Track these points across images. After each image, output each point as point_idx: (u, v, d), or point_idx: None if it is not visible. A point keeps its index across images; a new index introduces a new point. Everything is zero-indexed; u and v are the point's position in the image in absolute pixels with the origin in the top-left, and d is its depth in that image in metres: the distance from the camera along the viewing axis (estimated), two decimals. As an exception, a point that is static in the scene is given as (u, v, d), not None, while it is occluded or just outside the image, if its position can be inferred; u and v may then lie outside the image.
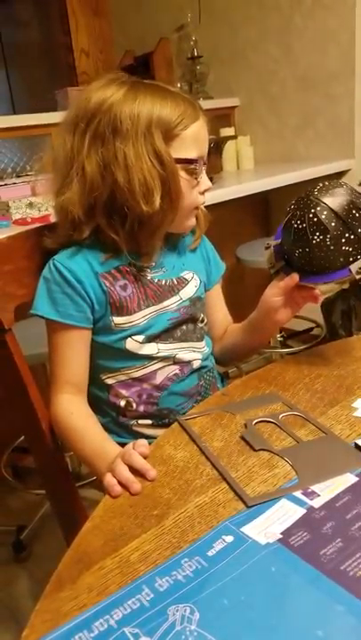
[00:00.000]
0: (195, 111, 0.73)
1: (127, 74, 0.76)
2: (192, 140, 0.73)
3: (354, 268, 0.73)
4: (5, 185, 1.65)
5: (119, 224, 0.73)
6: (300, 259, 0.73)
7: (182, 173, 0.73)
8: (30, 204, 1.56)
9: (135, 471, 0.58)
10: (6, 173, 1.86)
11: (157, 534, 0.49)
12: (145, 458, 0.60)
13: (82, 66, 2.82)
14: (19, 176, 1.78)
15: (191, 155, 0.73)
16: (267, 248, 0.80)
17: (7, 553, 1.46)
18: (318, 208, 0.70)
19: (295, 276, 0.75)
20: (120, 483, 0.57)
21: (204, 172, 0.76)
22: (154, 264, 0.80)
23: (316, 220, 0.70)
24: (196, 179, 0.75)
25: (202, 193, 0.77)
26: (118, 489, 0.56)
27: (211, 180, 0.81)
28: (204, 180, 0.77)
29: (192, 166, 0.73)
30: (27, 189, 1.68)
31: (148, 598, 0.43)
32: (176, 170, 0.71)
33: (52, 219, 0.80)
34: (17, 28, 3.51)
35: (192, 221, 0.80)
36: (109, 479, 0.57)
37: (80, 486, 1.38)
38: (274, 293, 0.77)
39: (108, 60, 2.85)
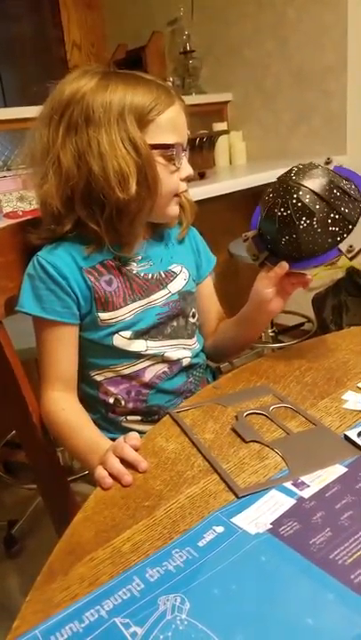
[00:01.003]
0: (169, 97, 0.72)
1: (120, 68, 0.75)
2: (168, 126, 0.72)
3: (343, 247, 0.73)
4: (-4, 178, 1.64)
5: (98, 214, 0.71)
6: (287, 246, 0.73)
7: (159, 159, 0.72)
8: (21, 198, 1.55)
9: (127, 463, 0.58)
10: (-3, 167, 1.84)
11: (149, 525, 0.50)
12: (136, 450, 0.60)
13: (74, 59, 2.80)
14: (9, 169, 1.76)
15: (168, 140, 0.72)
16: (245, 241, 0.80)
17: (-1, 548, 1.46)
18: (300, 192, 0.70)
19: (285, 265, 0.74)
20: (111, 475, 0.57)
21: (184, 158, 0.76)
22: (140, 257, 0.79)
23: (300, 204, 0.70)
24: (174, 164, 0.74)
25: (183, 179, 0.77)
26: (110, 481, 0.56)
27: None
28: (185, 167, 0.76)
29: (169, 152, 0.73)
30: (17, 183, 1.67)
31: (138, 589, 0.43)
32: (151, 155, 0.71)
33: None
34: (8, 22, 3.47)
35: (174, 209, 0.79)
36: (100, 471, 0.57)
37: (72, 480, 1.38)
38: (264, 285, 0.77)
39: (101, 54, 2.83)
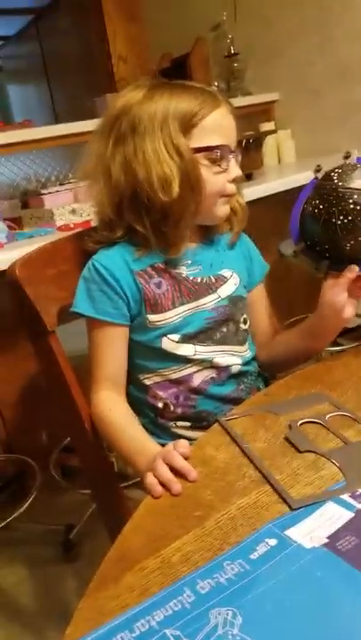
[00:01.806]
0: (214, 100, 0.73)
1: (164, 78, 0.78)
2: (213, 128, 0.73)
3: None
4: (49, 193, 1.69)
5: (145, 218, 0.74)
6: (352, 250, 0.73)
7: (204, 161, 0.74)
8: (73, 211, 1.59)
9: (176, 472, 0.58)
10: (50, 182, 1.91)
11: (199, 535, 0.49)
12: (186, 459, 0.59)
13: (120, 72, 2.85)
14: (62, 184, 1.82)
15: (212, 142, 0.73)
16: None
17: (56, 552, 1.49)
18: (355, 196, 0.70)
19: (355, 268, 0.73)
20: (161, 483, 0.56)
21: (232, 160, 0.76)
22: (190, 262, 0.80)
23: (359, 207, 0.70)
24: (219, 166, 0.75)
25: (230, 181, 0.77)
26: (160, 489, 0.56)
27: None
28: (232, 168, 0.76)
29: (213, 153, 0.74)
30: (70, 196, 1.71)
31: (189, 600, 0.42)
32: (194, 158, 0.72)
33: (93, 223, 0.82)
34: (57, 39, 3.61)
35: (222, 210, 0.79)
36: (151, 479, 0.57)
37: (126, 487, 1.39)
38: (336, 293, 0.74)
39: (146, 65, 2.87)
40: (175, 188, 0.71)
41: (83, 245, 0.80)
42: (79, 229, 0.87)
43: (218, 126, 0.74)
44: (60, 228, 1.55)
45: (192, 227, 0.79)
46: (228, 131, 0.75)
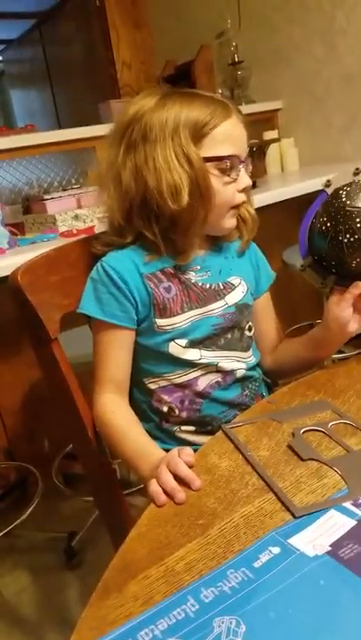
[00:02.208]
0: (225, 110, 0.74)
1: (168, 84, 0.78)
2: (224, 138, 0.74)
3: None
4: (52, 198, 1.70)
5: (155, 225, 0.75)
6: (358, 267, 0.74)
7: (214, 171, 0.74)
8: (76, 217, 1.60)
9: (180, 480, 0.58)
10: (53, 187, 1.92)
11: (203, 544, 0.49)
12: (190, 467, 0.59)
13: (124, 78, 2.87)
14: (65, 189, 1.83)
15: (222, 152, 0.74)
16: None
17: (59, 559, 1.49)
18: None
19: (360, 284, 0.74)
20: (165, 491, 0.56)
21: (243, 170, 0.76)
22: (199, 267, 0.80)
23: None
24: (229, 176, 0.75)
25: (240, 191, 0.77)
26: (164, 498, 0.56)
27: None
28: (242, 178, 0.76)
29: (223, 163, 0.74)
30: (72, 202, 1.72)
31: (193, 609, 0.42)
32: (204, 168, 0.73)
33: (97, 230, 0.83)
34: (61, 46, 3.63)
35: (230, 222, 0.80)
36: (155, 487, 0.57)
37: (129, 494, 1.39)
38: (342, 308, 0.76)
39: (150, 71, 2.89)
40: (185, 197, 0.71)
41: (87, 251, 0.81)
42: (82, 235, 0.88)
43: (228, 136, 0.74)
44: (62, 234, 1.55)
45: (201, 235, 0.79)
46: (238, 141, 0.76)
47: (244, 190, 0.78)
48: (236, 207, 0.79)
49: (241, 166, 0.76)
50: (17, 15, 3.73)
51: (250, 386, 0.84)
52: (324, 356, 0.85)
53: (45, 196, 1.70)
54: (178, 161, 0.71)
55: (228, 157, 0.74)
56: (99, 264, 0.78)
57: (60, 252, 0.83)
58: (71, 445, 1.72)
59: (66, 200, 1.71)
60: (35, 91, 4.19)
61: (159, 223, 0.75)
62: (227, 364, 0.80)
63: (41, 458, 1.78)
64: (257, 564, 0.45)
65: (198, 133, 0.72)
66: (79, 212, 1.60)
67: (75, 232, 1.53)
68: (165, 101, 0.73)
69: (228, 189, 0.76)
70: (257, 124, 2.29)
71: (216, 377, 0.80)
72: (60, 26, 3.57)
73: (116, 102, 2.08)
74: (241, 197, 0.78)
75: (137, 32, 2.86)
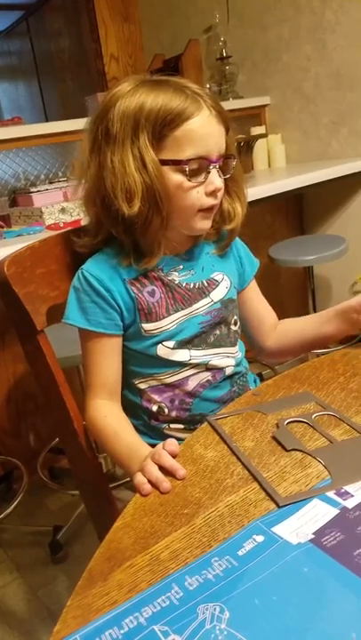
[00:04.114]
0: (193, 107, 0.68)
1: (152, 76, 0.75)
2: (188, 139, 0.68)
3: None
4: (39, 191, 1.69)
5: (121, 225, 0.72)
6: None
7: (176, 175, 0.70)
8: (63, 210, 1.59)
9: (165, 470, 0.58)
10: (39, 180, 1.90)
11: (188, 533, 0.49)
12: (174, 457, 0.60)
13: (112, 72, 2.85)
14: (51, 182, 1.81)
15: (185, 155, 0.69)
16: None
17: (44, 553, 1.49)
18: None
19: None
20: (150, 481, 0.57)
21: (213, 171, 0.71)
22: (182, 267, 0.79)
23: None
24: (190, 180, 0.70)
25: (208, 194, 0.72)
26: (148, 487, 0.56)
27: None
28: (211, 180, 0.71)
29: (185, 166, 0.69)
30: (59, 195, 1.71)
31: (177, 597, 0.43)
32: (160, 173, 0.68)
33: (83, 223, 0.82)
34: (48, 39, 3.60)
35: (202, 224, 0.75)
36: (139, 478, 0.58)
37: (115, 487, 1.39)
38: None
39: (138, 65, 2.87)
40: (136, 203, 0.68)
41: (72, 245, 0.80)
42: (69, 228, 0.87)
43: (193, 137, 0.68)
44: (49, 227, 1.55)
45: (170, 237, 0.76)
46: (207, 140, 0.69)
47: (213, 193, 0.72)
48: (208, 210, 0.74)
49: (212, 167, 0.70)
50: (4, 7, 3.68)
51: (238, 382, 0.85)
52: (330, 339, 0.86)
53: (32, 189, 1.69)
54: (134, 165, 0.68)
55: (188, 161, 0.69)
56: (79, 272, 0.76)
57: (46, 243, 0.82)
58: (57, 439, 1.72)
59: (52, 193, 1.70)
60: (22, 83, 4.14)
61: (122, 225, 0.72)
62: (217, 361, 0.80)
63: (26, 452, 1.78)
64: (241, 553, 0.46)
65: (159, 134, 0.68)
66: (66, 205, 1.59)
67: (61, 225, 1.53)
68: (136, 90, 0.69)
69: (192, 194, 0.71)
70: (244, 120, 2.30)
71: (207, 375, 0.80)
72: (48, 18, 3.54)
73: (104, 95, 2.07)
74: (210, 201, 0.72)
75: (125, 25, 2.85)
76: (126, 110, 0.68)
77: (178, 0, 2.59)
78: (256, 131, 2.25)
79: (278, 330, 0.91)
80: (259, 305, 0.90)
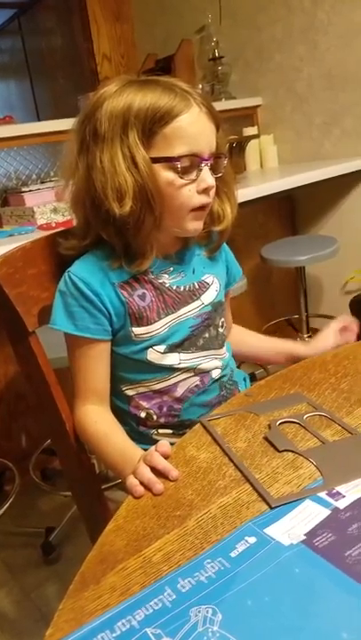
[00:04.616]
0: (182, 104, 0.67)
1: (144, 76, 0.75)
2: (177, 136, 0.67)
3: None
4: (30, 191, 1.68)
5: (111, 227, 0.70)
6: None
7: (167, 173, 0.69)
8: (54, 209, 1.58)
9: (158, 472, 0.58)
10: (31, 180, 1.89)
11: (180, 535, 0.49)
12: (167, 458, 0.60)
13: (104, 71, 2.85)
14: (43, 182, 1.81)
15: (175, 152, 0.68)
16: None
17: (36, 555, 1.48)
18: None
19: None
20: (142, 483, 0.57)
21: (205, 169, 0.70)
22: (172, 269, 0.78)
23: None
24: (181, 177, 0.69)
25: (200, 192, 0.71)
26: (140, 489, 0.56)
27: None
28: (203, 178, 0.70)
29: (176, 164, 0.68)
30: (51, 195, 1.70)
31: (170, 599, 0.43)
32: (152, 171, 0.67)
33: (75, 223, 0.81)
34: (40, 37, 3.58)
35: (193, 224, 0.73)
36: (132, 480, 0.57)
37: (107, 488, 1.39)
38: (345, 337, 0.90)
39: (131, 64, 2.87)
40: (128, 202, 0.66)
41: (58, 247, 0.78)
42: (61, 228, 0.87)
43: (183, 134, 0.67)
44: (41, 227, 1.54)
45: (162, 239, 0.75)
46: (197, 137, 0.69)
47: (205, 191, 0.71)
48: (200, 209, 0.72)
49: (203, 165, 0.70)
50: (-5, 4, 3.65)
51: (226, 385, 0.84)
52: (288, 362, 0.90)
53: (24, 189, 1.68)
54: (125, 164, 0.66)
55: (179, 158, 0.68)
56: (66, 275, 0.73)
57: (37, 244, 0.82)
58: (49, 441, 1.72)
59: (44, 193, 1.70)
60: (13, 82, 4.11)
61: (111, 227, 0.70)
62: (206, 365, 0.80)
63: (18, 453, 1.77)
64: (234, 554, 0.46)
65: (149, 132, 0.67)
66: (58, 205, 1.59)
67: (53, 225, 1.52)
68: (123, 90, 0.68)
69: (184, 192, 0.70)
70: (237, 120, 2.30)
71: (195, 380, 0.80)
72: (40, 17, 3.52)
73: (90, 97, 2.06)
74: (202, 199, 0.71)
75: (118, 25, 2.84)
76: (114, 110, 0.67)
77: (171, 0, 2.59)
78: (248, 131, 2.26)
79: (234, 338, 0.93)
80: (226, 310, 0.92)
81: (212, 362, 0.81)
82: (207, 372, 0.81)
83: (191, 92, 0.70)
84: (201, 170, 0.70)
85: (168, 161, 0.68)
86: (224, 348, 0.85)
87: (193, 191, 0.70)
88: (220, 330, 0.84)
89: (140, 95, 0.67)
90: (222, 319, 0.85)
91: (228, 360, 0.86)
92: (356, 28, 1.95)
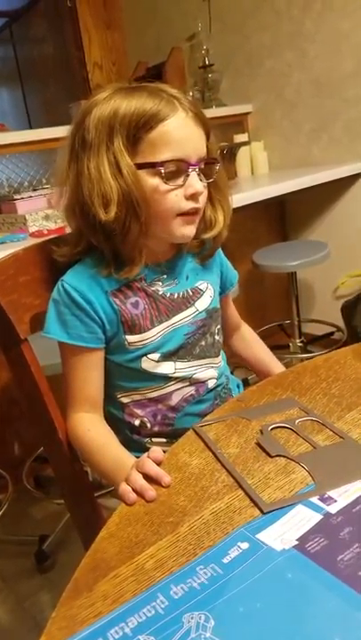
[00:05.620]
0: (167, 109, 0.67)
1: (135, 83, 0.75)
2: (163, 142, 0.67)
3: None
4: (22, 198, 1.68)
5: (100, 234, 0.70)
6: None
7: (152, 179, 0.68)
8: (46, 217, 1.58)
9: (150, 479, 0.58)
10: (23, 187, 1.89)
11: (173, 541, 0.49)
12: (159, 464, 0.60)
13: (95, 79, 2.86)
14: (35, 189, 1.81)
15: (161, 157, 0.67)
16: None
17: (30, 563, 1.47)
18: None
19: None
20: (135, 490, 0.57)
21: (193, 174, 0.70)
22: (165, 276, 0.78)
23: None
24: (166, 183, 0.68)
25: (188, 198, 0.70)
26: (133, 496, 0.56)
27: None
28: (190, 184, 0.69)
29: (161, 169, 0.68)
30: (43, 202, 1.70)
31: (163, 606, 0.43)
32: (136, 177, 0.67)
33: (68, 230, 0.81)
34: (31, 45, 3.59)
35: (183, 230, 0.73)
36: (124, 487, 0.57)
37: (100, 495, 1.38)
38: None
39: (122, 72, 2.88)
40: (113, 208, 0.67)
41: (52, 254, 0.78)
42: (53, 236, 0.87)
43: (169, 139, 0.67)
44: (33, 234, 1.54)
45: (150, 246, 0.75)
46: (184, 142, 0.68)
47: (193, 197, 0.70)
48: (189, 215, 0.72)
49: (190, 170, 0.69)
50: (-14, 12, 3.66)
51: (221, 394, 0.85)
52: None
53: (15, 196, 1.68)
54: (110, 170, 0.67)
55: (162, 164, 0.67)
56: (59, 284, 0.73)
57: (29, 252, 0.82)
58: (42, 448, 1.71)
59: (36, 200, 1.70)
60: (5, 90, 4.12)
61: (102, 233, 0.70)
62: (201, 374, 0.80)
63: (11, 461, 1.76)
64: (226, 560, 0.46)
65: (134, 137, 0.67)
66: (50, 213, 1.59)
67: (45, 232, 1.52)
68: (112, 97, 0.68)
69: (170, 197, 0.69)
70: (227, 127, 2.32)
71: (190, 390, 0.80)
72: (32, 25, 3.53)
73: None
74: (189, 204, 0.70)
75: (108, 33, 2.86)
76: (101, 117, 0.67)
77: (161, 5, 2.61)
78: (239, 138, 2.28)
79: (241, 346, 0.96)
80: (227, 311, 0.94)
81: (208, 371, 0.81)
82: (203, 382, 0.81)
83: (178, 97, 0.69)
84: (188, 175, 0.70)
85: (152, 166, 0.68)
86: (220, 357, 0.85)
87: (180, 196, 0.70)
88: (217, 337, 0.84)
89: (127, 101, 0.67)
90: (218, 326, 0.85)
91: (224, 368, 0.86)
92: (343, 37, 1.98)
